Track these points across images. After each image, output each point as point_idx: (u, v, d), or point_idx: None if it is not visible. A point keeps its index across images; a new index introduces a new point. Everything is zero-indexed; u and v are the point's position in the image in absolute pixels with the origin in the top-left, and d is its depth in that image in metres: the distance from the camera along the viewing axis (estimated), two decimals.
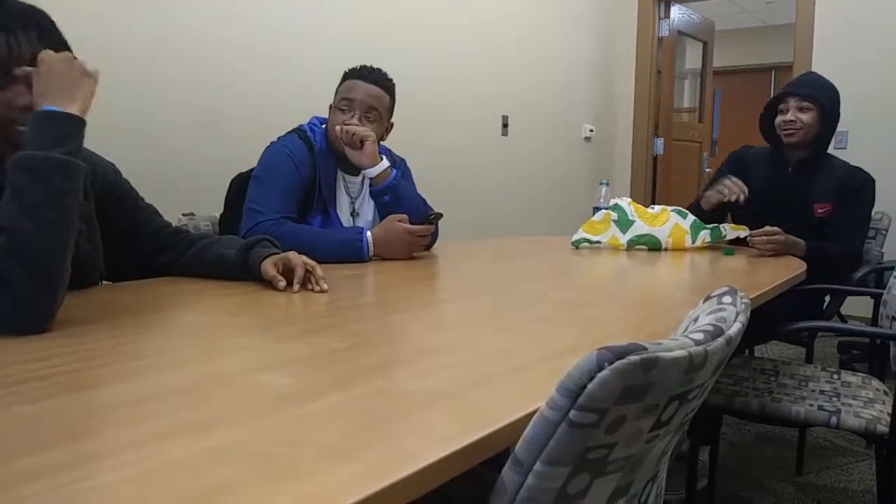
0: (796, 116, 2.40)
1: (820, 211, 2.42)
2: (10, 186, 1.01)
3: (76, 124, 1.07)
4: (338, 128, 1.93)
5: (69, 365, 0.88)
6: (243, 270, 1.43)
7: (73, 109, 1.07)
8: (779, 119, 2.45)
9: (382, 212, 2.00)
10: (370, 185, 2.00)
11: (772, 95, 2.58)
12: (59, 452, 0.61)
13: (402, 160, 2.18)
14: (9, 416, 0.71)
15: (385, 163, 1.98)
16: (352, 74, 2.00)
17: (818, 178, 2.44)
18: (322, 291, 1.38)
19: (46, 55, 1.09)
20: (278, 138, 2.02)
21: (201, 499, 0.53)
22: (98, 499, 0.53)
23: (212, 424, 0.69)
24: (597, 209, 2.56)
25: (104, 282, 1.43)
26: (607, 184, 2.69)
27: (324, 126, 2.05)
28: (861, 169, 2.50)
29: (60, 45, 1.17)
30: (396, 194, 1.99)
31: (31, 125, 1.05)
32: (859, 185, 2.43)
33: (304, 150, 1.95)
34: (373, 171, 1.97)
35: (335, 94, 2.01)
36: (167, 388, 0.81)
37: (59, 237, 1.02)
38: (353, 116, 1.96)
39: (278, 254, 1.42)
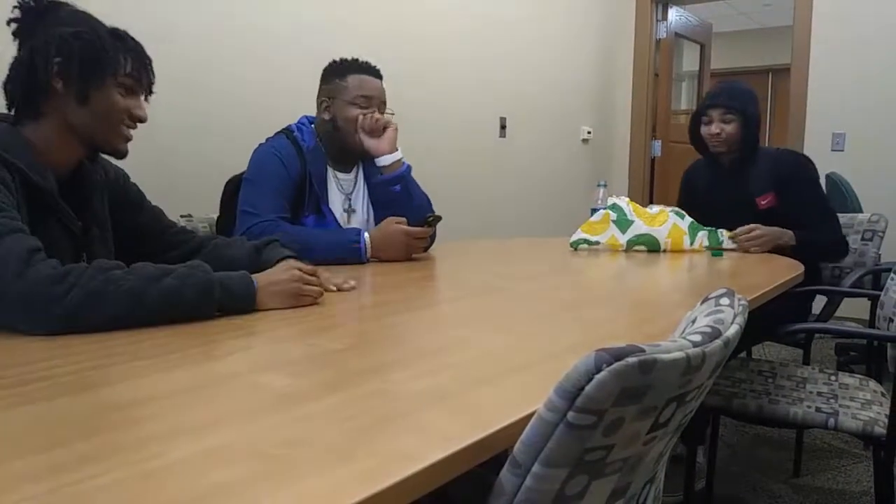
0: (721, 128, 2.46)
1: (763, 203, 2.45)
2: (178, 276, 1.13)
3: (248, 301, 1.21)
4: (361, 116, 1.94)
5: (72, 366, 0.89)
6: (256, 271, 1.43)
7: (262, 298, 1.23)
8: (704, 131, 2.51)
9: (391, 202, 2.01)
10: (381, 174, 2.02)
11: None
12: (62, 452, 0.62)
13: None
14: (12, 417, 0.71)
15: (400, 152, 2.01)
16: (355, 70, 2.00)
17: (753, 171, 2.49)
18: (342, 290, 1.42)
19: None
20: (266, 140, 2.02)
21: (203, 499, 0.54)
22: (101, 499, 0.53)
23: (213, 425, 0.69)
24: (594, 210, 2.56)
25: None
26: (605, 185, 2.70)
27: (313, 125, 2.05)
28: (789, 150, 2.61)
29: (153, 77, 1.36)
30: (407, 185, 2.03)
31: (240, 278, 1.21)
32: (795, 167, 2.47)
33: (291, 151, 1.96)
34: (389, 159, 2.00)
35: (334, 88, 1.99)
36: (168, 389, 0.81)
37: (133, 313, 1.08)
38: (373, 113, 1.98)
39: (291, 255, 1.42)
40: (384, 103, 2.03)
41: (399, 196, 2.01)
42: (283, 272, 1.29)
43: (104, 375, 0.86)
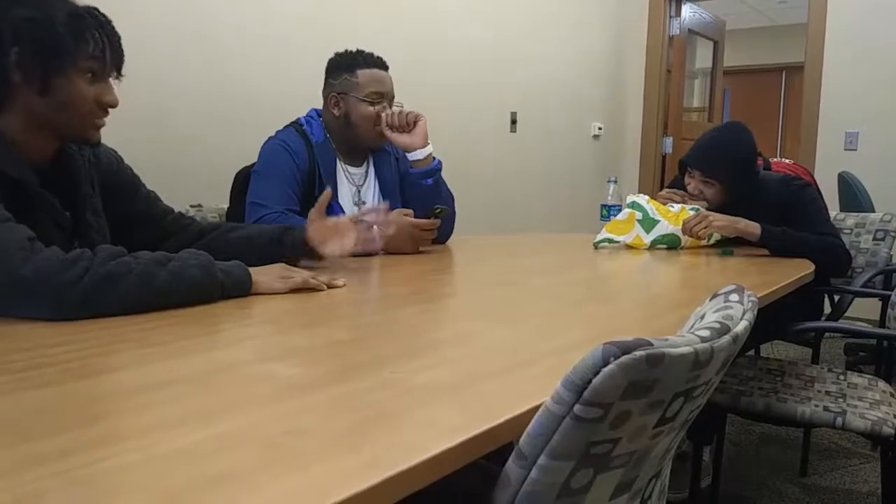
0: (700, 189, 2.28)
1: None
2: (181, 259, 1.15)
3: (245, 285, 1.24)
4: (385, 114, 1.93)
5: (80, 351, 0.89)
6: (278, 245, 1.48)
7: (257, 279, 1.26)
8: (688, 182, 2.32)
9: (422, 195, 2.01)
10: (411, 167, 2.03)
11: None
12: (68, 437, 0.62)
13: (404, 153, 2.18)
14: (18, 401, 0.71)
15: (431, 145, 2.02)
16: (364, 64, 1.98)
17: (754, 207, 2.24)
18: (331, 287, 1.39)
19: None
20: (275, 133, 2.02)
21: (207, 485, 0.54)
22: (106, 483, 0.53)
23: (218, 412, 0.69)
24: (604, 207, 2.55)
25: None
26: (616, 181, 2.68)
27: (321, 118, 2.05)
28: (791, 179, 2.35)
29: (123, 56, 1.28)
30: (437, 178, 2.04)
31: (235, 264, 1.24)
32: (793, 198, 2.25)
33: (300, 143, 1.96)
34: (423, 153, 2.01)
35: (345, 83, 1.98)
36: (175, 375, 0.81)
37: (144, 298, 1.09)
38: (385, 109, 1.98)
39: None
40: (394, 96, 2.03)
41: (430, 189, 2.02)
42: (272, 268, 1.34)
43: (112, 361, 0.87)
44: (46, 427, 0.65)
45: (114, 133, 1.44)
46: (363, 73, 1.97)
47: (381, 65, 2.01)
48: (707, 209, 2.26)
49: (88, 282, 1.02)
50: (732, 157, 2.26)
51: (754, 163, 2.31)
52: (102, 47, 1.21)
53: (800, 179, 2.36)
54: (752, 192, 2.28)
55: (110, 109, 1.26)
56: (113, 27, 1.24)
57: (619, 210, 2.35)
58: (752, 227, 2.12)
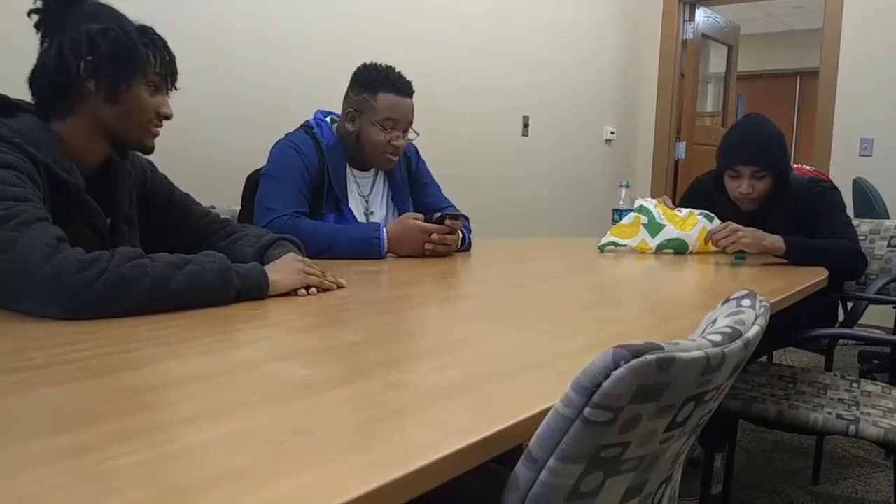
0: (752, 186, 2.24)
1: None
2: (197, 262, 1.16)
3: (261, 289, 1.24)
4: (429, 246, 1.91)
5: (95, 350, 0.90)
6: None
7: (273, 278, 1.27)
8: (731, 186, 2.29)
9: None
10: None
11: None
12: (83, 434, 0.62)
13: (415, 147, 2.18)
14: (36, 398, 0.72)
15: (459, 237, 2.02)
16: (386, 87, 1.95)
17: (780, 208, 2.28)
18: (340, 287, 1.39)
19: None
20: (285, 135, 2.03)
21: (219, 482, 0.54)
22: (120, 479, 0.54)
23: (230, 411, 0.70)
24: (616, 211, 2.54)
25: None
26: (628, 186, 2.67)
27: (333, 124, 2.05)
28: (818, 181, 2.34)
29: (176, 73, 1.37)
30: (466, 237, 2.09)
31: (252, 267, 1.25)
32: (818, 199, 2.25)
33: (310, 146, 1.96)
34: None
35: (363, 103, 1.96)
36: (188, 374, 0.82)
37: (158, 300, 1.10)
38: (398, 137, 1.97)
39: (294, 254, 1.42)
40: (410, 123, 2.01)
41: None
42: (286, 263, 1.35)
43: (126, 360, 0.87)
44: (61, 424, 0.65)
45: None
46: (382, 98, 1.95)
47: (403, 91, 1.97)
48: (751, 209, 2.26)
49: (103, 283, 1.04)
50: (779, 141, 2.28)
51: (786, 146, 2.33)
52: (165, 64, 1.31)
53: (827, 182, 2.36)
54: (787, 182, 2.30)
55: (165, 123, 1.34)
56: (168, 46, 1.33)
57: (629, 213, 2.35)
58: (778, 243, 2.07)
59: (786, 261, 2.10)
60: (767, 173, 2.25)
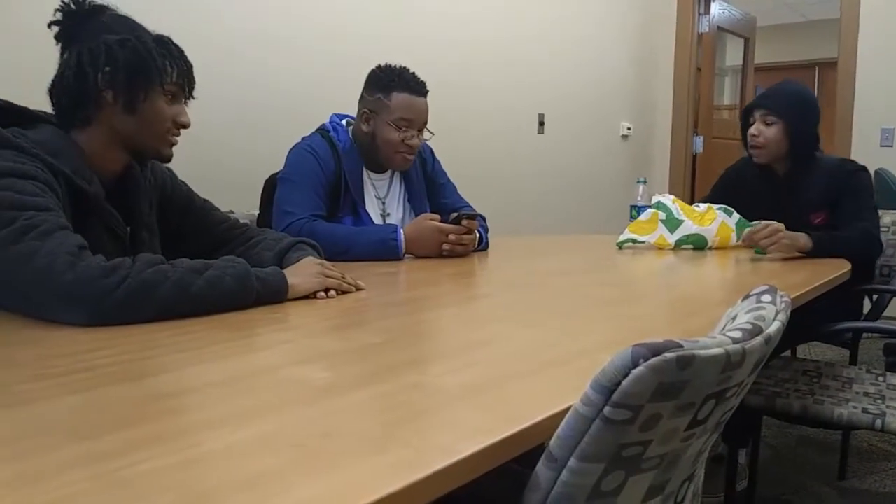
0: (760, 130, 2.28)
1: (817, 220, 2.27)
2: (218, 267, 1.17)
3: (281, 293, 1.25)
4: (446, 246, 1.91)
5: (116, 357, 0.91)
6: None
7: (293, 282, 1.27)
8: (751, 132, 2.32)
9: None
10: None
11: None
12: (107, 440, 0.63)
13: (430, 148, 2.19)
14: (58, 406, 0.73)
15: (476, 236, 2.02)
16: (400, 87, 1.96)
17: (809, 184, 2.29)
18: (358, 289, 1.39)
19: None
20: (302, 139, 2.04)
21: (242, 486, 0.55)
22: (143, 485, 0.55)
23: (251, 415, 0.70)
24: (634, 207, 2.53)
25: None
26: (645, 182, 2.66)
27: (349, 126, 2.06)
28: (849, 160, 2.37)
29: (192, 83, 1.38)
30: (483, 236, 2.08)
31: (272, 271, 1.26)
32: (848, 177, 2.26)
33: (327, 149, 1.97)
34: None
35: (377, 104, 1.97)
36: (209, 379, 0.83)
37: (179, 305, 1.11)
38: (412, 137, 1.97)
39: (313, 258, 1.43)
40: (425, 122, 2.01)
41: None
42: (306, 266, 1.36)
43: (147, 366, 0.88)
44: (85, 430, 0.66)
45: None
46: (396, 98, 1.95)
47: (417, 91, 1.98)
48: (761, 161, 2.31)
49: (125, 289, 1.05)
50: (795, 96, 2.31)
51: (816, 111, 2.33)
52: (182, 73, 1.32)
53: (857, 164, 2.34)
54: (811, 148, 2.31)
55: (182, 130, 1.35)
56: (185, 55, 1.34)
57: (646, 210, 2.33)
58: (808, 242, 2.06)
59: (808, 255, 2.08)
60: (777, 120, 2.26)
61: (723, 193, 2.50)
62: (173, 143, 1.35)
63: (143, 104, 1.27)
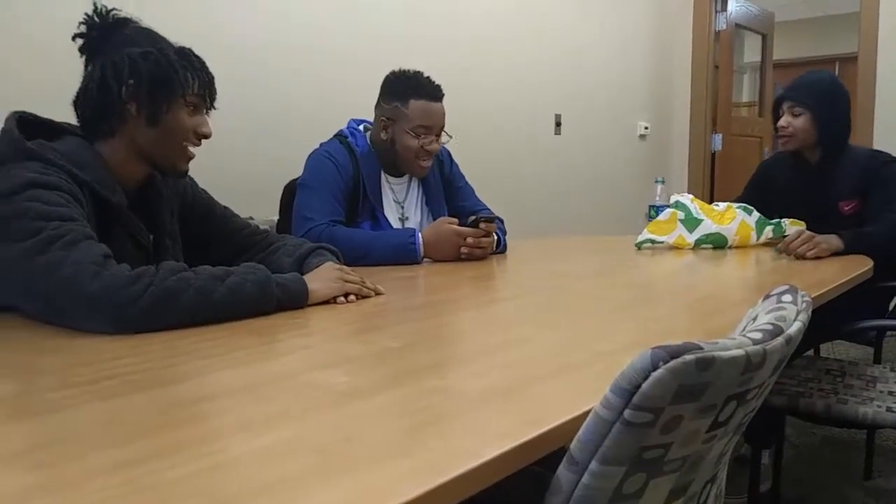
0: (788, 122, 2.31)
1: (846, 209, 2.29)
2: (239, 274, 1.18)
3: (302, 294, 1.26)
4: (464, 250, 1.91)
5: (140, 364, 0.92)
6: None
7: (313, 287, 1.29)
8: (780, 124, 2.36)
9: None
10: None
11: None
12: (132, 447, 0.64)
13: (447, 151, 2.19)
14: (84, 414, 0.74)
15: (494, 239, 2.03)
16: (417, 94, 1.97)
17: (840, 174, 2.32)
18: (378, 294, 1.40)
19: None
20: (320, 145, 2.05)
21: (262, 492, 0.55)
22: (168, 491, 0.55)
23: (273, 421, 0.71)
24: (652, 207, 2.52)
25: None
26: (663, 181, 2.65)
27: (367, 132, 2.07)
28: (881, 152, 2.39)
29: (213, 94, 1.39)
30: (500, 238, 2.10)
31: (292, 277, 1.27)
32: (879, 168, 2.28)
33: (345, 155, 1.99)
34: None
35: (395, 112, 1.98)
36: (231, 386, 0.84)
37: (202, 312, 1.12)
38: (431, 142, 1.99)
39: (332, 263, 1.44)
40: (442, 127, 2.02)
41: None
42: (325, 271, 1.37)
43: (170, 374, 0.90)
44: (112, 438, 0.67)
45: None
46: (414, 105, 1.96)
47: (433, 96, 1.98)
48: (789, 149, 2.34)
49: (149, 297, 1.06)
50: (821, 84, 2.34)
51: (844, 99, 2.37)
52: (204, 85, 1.33)
53: (889, 156, 2.37)
54: (841, 139, 2.34)
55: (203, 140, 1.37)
56: (207, 66, 1.35)
57: (665, 210, 2.33)
58: (840, 244, 2.09)
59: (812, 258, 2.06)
60: (804, 111, 2.29)
61: (757, 188, 2.56)
62: (191, 157, 1.36)
63: (165, 116, 1.29)
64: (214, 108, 1.39)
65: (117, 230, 1.28)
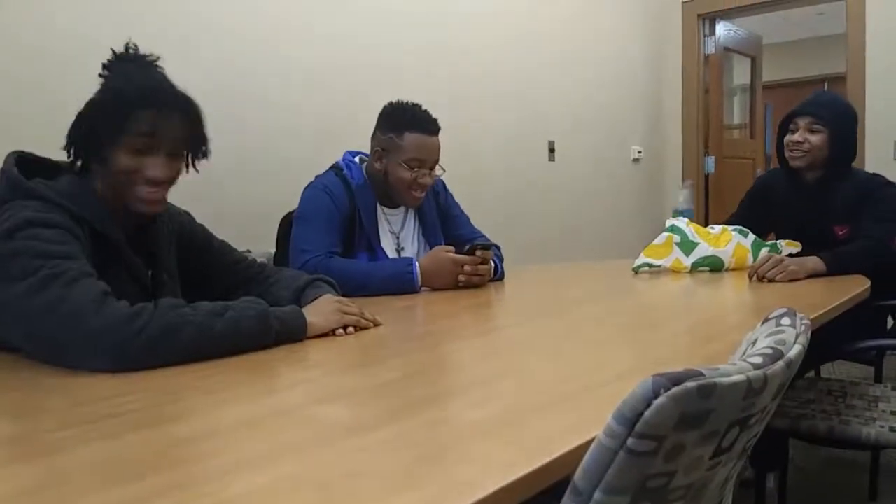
0: (805, 137, 2.27)
1: (840, 233, 2.27)
2: (237, 308, 1.17)
3: (300, 332, 1.25)
4: (462, 278, 1.90)
5: (140, 402, 0.92)
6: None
7: (312, 320, 1.28)
8: (787, 138, 2.33)
9: None
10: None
11: None
12: (134, 487, 0.64)
13: (442, 181, 2.20)
14: (86, 453, 0.74)
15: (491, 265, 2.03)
16: (412, 127, 1.98)
17: (837, 198, 2.29)
18: (376, 325, 1.39)
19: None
20: (316, 177, 2.06)
21: None
22: None
23: (276, 457, 0.71)
24: (677, 212, 2.53)
25: None
26: (691, 185, 2.65)
27: (363, 163, 2.08)
28: (880, 175, 2.37)
29: (202, 135, 1.33)
30: (497, 265, 2.09)
31: (291, 310, 1.27)
32: (875, 189, 2.27)
33: (341, 188, 1.99)
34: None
35: (390, 143, 1.99)
36: (233, 422, 0.83)
37: (202, 347, 1.12)
38: (424, 175, 2.00)
39: (330, 295, 1.43)
40: (437, 160, 2.03)
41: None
42: (324, 304, 1.36)
43: (171, 411, 0.89)
44: (115, 477, 0.67)
45: None
46: (409, 138, 1.97)
47: (429, 130, 2.00)
48: (798, 165, 2.31)
49: (149, 333, 1.06)
50: (842, 107, 2.35)
51: (856, 123, 2.38)
52: (161, 125, 1.24)
53: (887, 179, 2.36)
54: (848, 161, 2.34)
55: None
56: (187, 106, 1.28)
57: (691, 214, 2.34)
58: (818, 264, 2.07)
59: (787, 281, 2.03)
60: (823, 129, 2.26)
61: (752, 204, 2.55)
62: (148, 199, 1.28)
63: (108, 157, 1.24)
64: (204, 151, 1.35)
65: (116, 266, 1.27)
